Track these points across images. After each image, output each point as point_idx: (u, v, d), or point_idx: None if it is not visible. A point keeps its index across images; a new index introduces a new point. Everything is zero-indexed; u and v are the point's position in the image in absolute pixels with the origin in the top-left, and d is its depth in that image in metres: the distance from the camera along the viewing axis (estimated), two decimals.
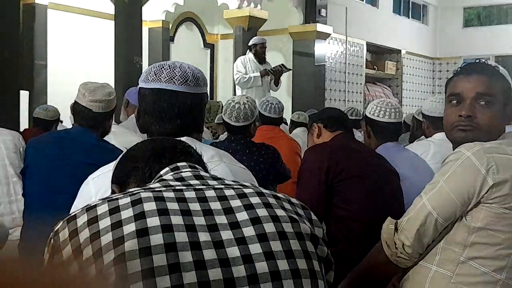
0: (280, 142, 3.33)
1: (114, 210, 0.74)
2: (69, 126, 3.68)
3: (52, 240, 0.75)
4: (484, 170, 1.28)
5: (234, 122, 2.81)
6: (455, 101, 1.48)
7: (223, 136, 3.74)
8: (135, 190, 0.80)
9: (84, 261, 0.71)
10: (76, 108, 2.50)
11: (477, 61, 1.56)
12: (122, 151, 1.10)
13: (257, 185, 1.20)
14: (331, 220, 2.00)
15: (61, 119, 4.71)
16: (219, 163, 1.34)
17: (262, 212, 0.78)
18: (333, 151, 2.05)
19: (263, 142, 2.96)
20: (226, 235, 0.74)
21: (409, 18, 11.75)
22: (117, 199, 0.77)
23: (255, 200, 0.81)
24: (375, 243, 1.48)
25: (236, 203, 0.80)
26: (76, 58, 7.38)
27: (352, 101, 9.68)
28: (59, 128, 4.39)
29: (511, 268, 1.29)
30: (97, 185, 1.31)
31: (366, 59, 10.42)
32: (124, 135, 2.95)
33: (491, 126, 1.43)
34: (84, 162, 2.02)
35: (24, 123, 4.90)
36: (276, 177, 2.87)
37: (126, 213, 0.73)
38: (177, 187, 0.81)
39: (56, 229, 0.75)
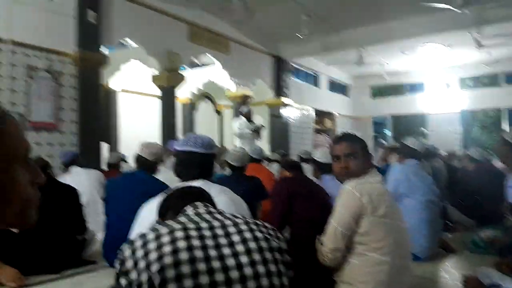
0: (262, 173, 3.97)
1: (158, 237, 1.01)
2: (132, 164, 4.34)
3: (120, 255, 1.02)
4: (358, 194, 1.72)
5: (235, 163, 3.42)
6: (335, 159, 1.98)
7: (227, 170, 3.91)
8: (170, 223, 1.08)
9: (139, 269, 0.97)
10: (138, 158, 3.13)
11: (344, 132, 2.13)
12: (165, 184, 1.65)
13: (246, 208, 1.75)
14: (294, 227, 2.52)
15: (126, 160, 5.84)
16: (224, 196, 1.77)
17: (247, 235, 1.07)
18: (290, 182, 2.68)
19: (252, 175, 3.52)
20: (226, 251, 1.02)
21: (338, 93, 14.04)
22: (159, 229, 1.04)
23: (243, 227, 1.09)
24: (315, 234, 1.93)
25: (232, 229, 1.08)
26: (136, 122, 8.94)
27: (306, 145, 11.31)
28: (125, 166, 5.51)
29: (392, 252, 1.69)
30: (148, 209, 1.71)
31: (314, 118, 12.32)
32: (166, 173, 3.47)
33: (359, 170, 1.86)
34: (142, 191, 2.32)
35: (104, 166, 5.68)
36: (260, 196, 3.36)
37: (165, 239, 1.00)
38: (195, 220, 1.09)
39: (122, 248, 1.03)
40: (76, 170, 4.36)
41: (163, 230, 1.04)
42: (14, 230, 2.32)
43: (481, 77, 14.01)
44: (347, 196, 1.80)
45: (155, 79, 7.59)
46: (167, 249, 0.99)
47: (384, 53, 11.27)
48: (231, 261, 1.01)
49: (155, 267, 0.96)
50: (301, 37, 8.35)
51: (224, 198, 1.75)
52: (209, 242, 1.03)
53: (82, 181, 4.18)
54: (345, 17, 8.63)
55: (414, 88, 14.10)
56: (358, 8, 8.17)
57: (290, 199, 2.52)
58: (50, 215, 2.95)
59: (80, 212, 3.27)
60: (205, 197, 1.29)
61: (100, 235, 3.45)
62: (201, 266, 0.97)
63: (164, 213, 1.29)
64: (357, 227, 1.76)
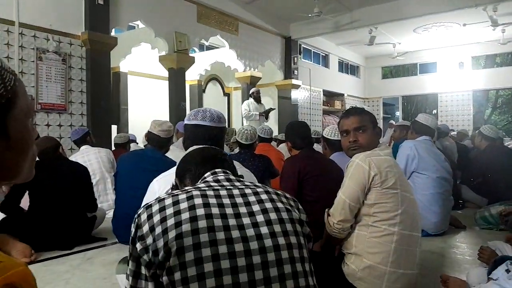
0: (271, 153, 3.97)
1: (176, 203, 0.98)
2: (141, 145, 5.36)
3: (136, 219, 0.98)
4: (367, 167, 1.73)
5: (244, 141, 3.46)
6: (344, 134, 1.97)
7: (236, 150, 4.05)
8: (189, 189, 1.04)
9: (156, 235, 0.93)
10: (149, 135, 3.19)
11: (351, 106, 2.09)
12: (175, 162, 1.39)
13: (257, 183, 1.45)
14: (303, 203, 2.15)
15: (137, 141, 6.24)
16: None
17: (268, 205, 1.04)
18: (300, 161, 2.54)
19: (261, 154, 3.55)
20: (246, 220, 0.99)
21: (348, 74, 14.16)
22: (177, 195, 1.01)
23: (264, 196, 1.06)
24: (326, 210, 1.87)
25: (252, 198, 1.05)
26: (145, 104, 9.13)
27: (315, 126, 11.54)
28: (134, 147, 5.62)
29: (400, 223, 1.71)
30: (159, 184, 1.71)
31: (323, 100, 12.47)
32: (175, 152, 3.61)
33: (368, 143, 1.88)
34: (152, 169, 2.27)
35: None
36: (270, 175, 3.40)
37: (183, 205, 0.97)
38: (215, 187, 1.06)
39: (139, 212, 1.00)
40: (86, 149, 4.38)
41: (182, 195, 1.00)
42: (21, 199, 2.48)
43: (494, 56, 13.89)
44: (355, 168, 1.79)
45: (162, 59, 7.60)
46: (185, 215, 0.95)
47: (396, 32, 11.17)
48: (250, 231, 0.97)
49: (172, 234, 0.92)
50: (311, 16, 8.24)
51: None
52: (229, 210, 1.00)
53: (92, 159, 4.24)
54: None
55: (426, 68, 14.01)
56: None
57: (301, 181, 2.47)
58: (61, 193, 3.03)
59: (90, 190, 3.32)
60: (226, 163, 1.23)
61: (110, 213, 3.50)
62: (220, 235, 0.93)
63: (182, 175, 1.23)
64: (366, 199, 1.77)
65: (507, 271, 1.40)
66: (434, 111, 14.07)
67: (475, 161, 5.00)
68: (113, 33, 6.57)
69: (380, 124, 14.20)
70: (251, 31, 9.32)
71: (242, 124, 8.04)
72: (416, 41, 12.08)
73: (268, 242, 0.97)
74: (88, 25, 5.91)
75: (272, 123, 9.00)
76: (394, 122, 10.10)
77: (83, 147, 4.40)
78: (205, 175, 1.14)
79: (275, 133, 7.78)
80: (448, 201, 3.50)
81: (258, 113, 7.40)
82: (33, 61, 5.41)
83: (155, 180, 1.76)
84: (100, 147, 4.53)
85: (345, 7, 9.11)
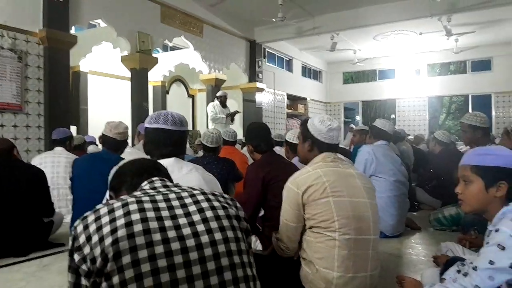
0: (235, 156, 3.98)
1: (111, 211, 1.00)
2: (100, 147, 4.45)
3: (73, 231, 1.00)
4: (295, 188, 1.83)
5: (209, 144, 3.48)
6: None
7: (201, 153, 4.15)
8: (124, 197, 1.06)
9: (93, 244, 0.95)
10: (104, 138, 3.12)
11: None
12: None
13: (219, 187, 1.70)
14: (266, 207, 2.50)
15: (96, 143, 6.01)
16: (195, 173, 1.75)
17: (204, 204, 1.07)
18: (264, 166, 2.54)
19: (225, 157, 3.57)
20: (182, 221, 1.02)
21: (311, 78, 14.40)
22: (112, 204, 1.03)
23: (200, 197, 1.09)
24: None
25: (188, 200, 1.08)
26: (106, 104, 8.93)
27: (279, 129, 11.70)
28: (93, 148, 5.58)
29: (340, 229, 1.73)
30: None
31: (286, 103, 12.58)
32: (137, 154, 3.40)
33: (302, 153, 2.05)
34: (109, 172, 1.94)
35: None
36: (234, 178, 3.44)
37: (118, 212, 0.99)
38: (150, 193, 1.08)
39: (75, 224, 1.01)
40: (59, 150, 4.29)
41: (116, 204, 1.03)
42: None
43: (448, 64, 14.56)
44: (287, 191, 1.87)
45: (124, 59, 7.45)
46: (120, 222, 0.97)
47: (356, 39, 11.49)
48: (187, 230, 1.00)
49: (108, 240, 0.94)
50: (275, 21, 8.33)
51: (196, 175, 1.72)
52: (165, 213, 1.02)
53: (48, 162, 4.12)
54: (319, 2, 8.73)
55: (384, 74, 14.45)
56: None
57: (265, 186, 2.47)
58: (16, 197, 2.92)
59: (47, 194, 3.21)
60: (161, 172, 1.26)
61: (68, 217, 3.42)
62: (156, 236, 0.96)
63: (118, 188, 1.26)
64: (305, 213, 1.82)
65: (458, 271, 1.48)
66: (392, 116, 14.55)
67: (430, 164, 5.18)
68: (73, 31, 6.38)
69: (342, 128, 14.55)
70: (216, 33, 9.31)
71: (207, 127, 8.08)
72: (375, 48, 12.43)
73: (204, 239, 1.01)
74: (46, 22, 5.70)
75: (237, 126, 9.04)
76: (354, 126, 10.41)
77: (57, 149, 4.28)
78: (142, 184, 1.17)
79: (240, 136, 7.81)
80: (404, 204, 3.62)
81: (224, 116, 7.42)
82: None
83: None
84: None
85: (308, 13, 9.29)
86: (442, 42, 11.44)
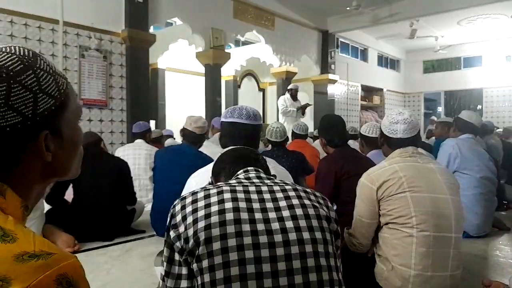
0: (306, 149, 4.01)
1: (207, 196, 1.05)
2: (178, 139, 4.88)
3: (171, 209, 1.06)
4: (370, 184, 1.80)
5: (273, 139, 3.54)
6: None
7: (269, 147, 4.01)
8: (220, 184, 1.12)
9: (187, 224, 1.00)
10: (184, 132, 3.25)
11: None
12: (211, 158, 1.66)
13: (292, 180, 1.66)
14: (339, 202, 2.47)
15: (174, 136, 6.18)
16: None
17: (295, 201, 1.07)
18: (337, 161, 2.51)
19: (294, 150, 3.61)
20: (272, 215, 1.03)
21: (388, 68, 13.90)
22: (209, 189, 1.08)
23: (291, 193, 1.10)
24: None
25: (279, 194, 1.09)
26: (182, 100, 9.39)
27: (352, 122, 11.41)
28: (170, 141, 5.66)
29: (418, 225, 1.68)
30: (196, 180, 1.75)
31: (360, 95, 12.21)
32: (211, 147, 3.63)
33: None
34: (188, 165, 2.36)
35: None
36: (304, 171, 3.43)
37: (213, 199, 1.04)
38: (244, 183, 1.12)
39: (174, 203, 1.08)
40: (135, 144, 4.51)
41: (213, 190, 1.07)
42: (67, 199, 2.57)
43: None
44: (361, 187, 1.85)
45: (199, 56, 7.72)
46: (214, 208, 1.01)
47: (438, 25, 10.78)
48: (275, 225, 1.01)
49: (201, 224, 0.98)
50: (349, 10, 8.09)
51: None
52: (256, 205, 1.04)
53: (130, 154, 4.34)
54: None
55: (470, 62, 13.54)
56: None
57: (338, 181, 2.45)
58: (103, 186, 3.15)
59: (130, 184, 3.41)
60: (258, 162, 1.28)
61: (148, 206, 3.58)
62: (246, 227, 0.98)
63: (218, 173, 1.31)
64: (380, 209, 1.79)
65: None
66: (479, 107, 13.41)
67: None
68: (151, 30, 6.72)
69: (421, 120, 13.83)
70: (287, 25, 9.25)
71: (277, 120, 8.04)
72: (460, 33, 11.63)
73: (292, 236, 1.00)
74: (128, 22, 6.07)
75: (308, 119, 8.87)
76: (435, 118, 9.78)
77: (138, 141, 4.52)
78: (238, 172, 1.20)
79: (311, 129, 7.80)
80: (492, 202, 3.35)
81: (295, 109, 7.36)
82: (76, 59, 5.64)
83: (191, 176, 1.81)
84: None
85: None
86: None
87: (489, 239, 3.27)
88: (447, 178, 1.83)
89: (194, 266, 0.98)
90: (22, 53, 0.63)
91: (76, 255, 2.38)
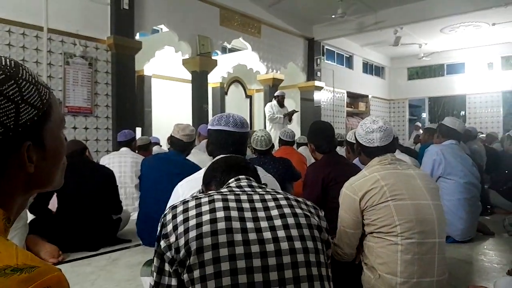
0: (293, 155, 4.06)
1: (198, 205, 1.04)
2: (164, 147, 5.11)
3: (162, 219, 1.05)
4: (352, 194, 1.80)
5: (259, 147, 3.52)
6: None
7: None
8: (212, 193, 1.11)
9: (178, 234, 0.99)
10: (172, 139, 3.22)
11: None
12: (198, 166, 1.63)
13: (279, 188, 1.65)
14: (327, 209, 2.20)
15: (160, 144, 6.18)
16: None
17: (287, 210, 1.07)
18: (324, 167, 2.52)
19: (281, 156, 3.63)
20: (264, 224, 1.03)
21: (373, 75, 14.01)
22: (200, 198, 1.07)
23: (283, 202, 1.10)
24: None
25: (271, 203, 1.08)
26: (169, 107, 9.23)
27: (338, 128, 11.39)
28: (157, 149, 5.60)
29: (403, 233, 1.69)
30: (182, 189, 1.75)
31: (346, 101, 12.30)
32: (198, 155, 3.68)
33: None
34: (176, 173, 2.43)
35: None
36: (291, 178, 3.44)
37: (205, 208, 1.03)
38: (236, 192, 1.11)
39: (165, 212, 1.07)
40: (125, 151, 4.47)
41: (204, 199, 1.06)
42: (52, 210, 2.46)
43: None
44: (343, 197, 1.84)
45: (185, 62, 7.70)
46: (206, 217, 1.00)
47: (422, 33, 10.96)
48: (267, 234, 1.01)
49: (193, 233, 0.97)
50: (334, 18, 8.17)
51: None
52: (247, 214, 1.04)
53: (115, 162, 4.29)
54: None
55: (453, 68, 13.71)
56: None
57: (325, 188, 2.45)
58: (88, 195, 3.10)
59: (116, 192, 3.36)
60: (250, 170, 1.27)
61: (134, 215, 3.57)
62: (238, 236, 0.98)
63: (209, 182, 1.30)
64: (364, 219, 1.79)
65: None
66: (462, 113, 13.70)
67: (505, 165, 4.84)
68: (137, 37, 6.68)
69: (406, 126, 14.01)
70: (274, 33, 9.31)
71: (265, 127, 8.08)
72: (443, 41, 11.82)
73: (284, 245, 1.00)
74: (114, 29, 6.03)
75: (294, 126, 8.95)
76: (420, 124, 9.95)
77: (123, 149, 4.47)
78: (229, 181, 1.20)
79: (297, 135, 7.77)
80: (476, 207, 3.40)
81: (282, 116, 7.41)
82: (61, 66, 5.57)
83: (179, 184, 1.79)
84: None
85: (370, 7, 9.00)
86: None
87: (474, 244, 3.31)
88: (426, 182, 1.85)
89: (185, 276, 0.96)
90: (4, 63, 0.61)
91: (61, 265, 2.46)
